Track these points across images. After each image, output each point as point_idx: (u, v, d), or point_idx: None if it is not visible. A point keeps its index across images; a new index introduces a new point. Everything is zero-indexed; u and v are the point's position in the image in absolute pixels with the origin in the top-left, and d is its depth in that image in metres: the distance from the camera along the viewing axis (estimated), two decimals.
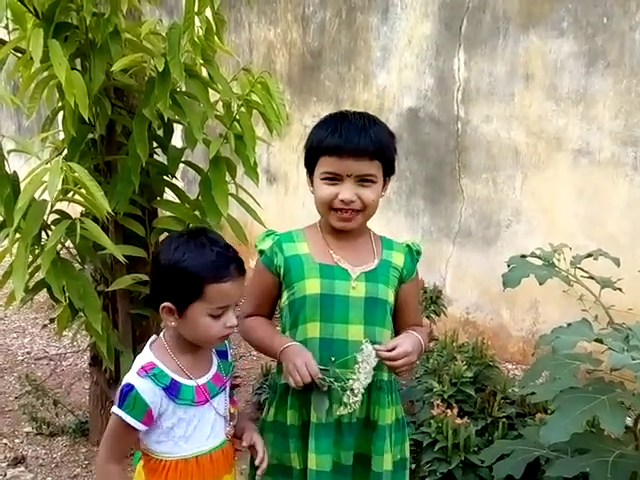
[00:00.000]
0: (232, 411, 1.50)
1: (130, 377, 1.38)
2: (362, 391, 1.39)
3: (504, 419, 2.30)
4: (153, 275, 1.45)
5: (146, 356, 1.42)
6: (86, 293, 2.22)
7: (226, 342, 1.53)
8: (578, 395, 1.54)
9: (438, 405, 2.28)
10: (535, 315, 3.50)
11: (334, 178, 1.48)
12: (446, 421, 2.20)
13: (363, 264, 1.54)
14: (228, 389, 1.51)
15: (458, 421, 2.22)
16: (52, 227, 2.14)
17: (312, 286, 1.49)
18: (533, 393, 1.77)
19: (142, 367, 1.38)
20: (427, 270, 3.67)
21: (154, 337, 1.47)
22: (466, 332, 3.67)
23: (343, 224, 1.52)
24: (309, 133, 1.56)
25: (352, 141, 1.45)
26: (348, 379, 1.40)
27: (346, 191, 1.47)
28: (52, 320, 2.53)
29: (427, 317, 3.21)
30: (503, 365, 3.26)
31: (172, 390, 1.38)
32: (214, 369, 1.48)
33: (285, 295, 1.54)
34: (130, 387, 1.36)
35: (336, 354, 1.47)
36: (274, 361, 1.58)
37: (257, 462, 1.48)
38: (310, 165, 1.55)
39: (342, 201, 1.48)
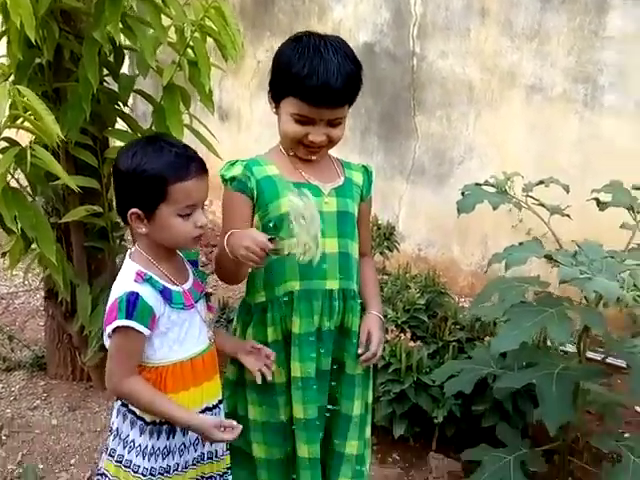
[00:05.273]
0: (210, 317, 1.54)
1: (128, 285, 1.36)
2: (317, 237, 1.36)
3: (454, 343, 2.39)
4: (115, 185, 1.44)
5: (132, 266, 1.41)
6: (39, 223, 2.17)
7: (197, 252, 1.55)
8: (527, 309, 1.62)
9: (392, 330, 2.36)
10: (484, 250, 3.60)
11: (305, 118, 1.49)
12: (399, 345, 2.28)
13: (331, 181, 1.59)
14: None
15: (411, 345, 2.30)
16: (0, 155, 2.07)
17: (287, 204, 1.50)
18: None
19: (137, 274, 1.37)
20: (381, 207, 3.70)
21: (130, 249, 1.47)
22: (417, 267, 3.73)
23: (309, 156, 1.56)
24: (277, 53, 1.52)
25: (328, 90, 1.44)
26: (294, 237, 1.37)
27: (317, 134, 1.50)
28: (3, 254, 2.48)
29: (380, 253, 3.26)
30: (453, 298, 3.36)
31: (166, 294, 1.40)
32: (191, 276, 1.50)
33: (258, 217, 1.55)
34: (135, 295, 1.34)
35: (314, 267, 1.46)
36: (231, 297, 1.59)
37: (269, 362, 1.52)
38: (276, 92, 1.53)
39: (312, 142, 1.51)
